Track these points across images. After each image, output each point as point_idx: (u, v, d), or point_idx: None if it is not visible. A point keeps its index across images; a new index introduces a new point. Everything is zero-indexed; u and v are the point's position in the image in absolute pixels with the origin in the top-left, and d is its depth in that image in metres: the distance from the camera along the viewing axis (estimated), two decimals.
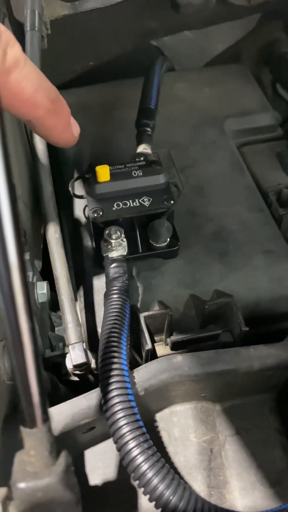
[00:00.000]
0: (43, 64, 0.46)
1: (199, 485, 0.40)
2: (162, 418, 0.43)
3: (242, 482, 0.40)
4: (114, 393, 0.34)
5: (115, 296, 0.42)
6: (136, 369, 0.39)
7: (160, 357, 0.42)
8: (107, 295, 0.43)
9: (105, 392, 0.34)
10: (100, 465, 0.41)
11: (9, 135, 0.32)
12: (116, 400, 0.33)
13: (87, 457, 0.41)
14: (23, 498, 0.24)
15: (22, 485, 0.24)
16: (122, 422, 0.32)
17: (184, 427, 0.42)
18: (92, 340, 0.46)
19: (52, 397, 0.42)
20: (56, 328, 0.50)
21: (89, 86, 0.70)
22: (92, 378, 0.45)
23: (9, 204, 0.21)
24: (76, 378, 0.44)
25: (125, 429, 0.32)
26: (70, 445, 0.39)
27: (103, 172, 0.47)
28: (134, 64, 0.71)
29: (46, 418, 0.24)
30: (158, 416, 0.43)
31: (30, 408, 0.23)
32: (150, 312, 0.42)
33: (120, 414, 0.33)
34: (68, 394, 0.44)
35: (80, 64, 0.69)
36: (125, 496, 0.39)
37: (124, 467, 0.33)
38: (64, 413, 0.35)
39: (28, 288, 0.22)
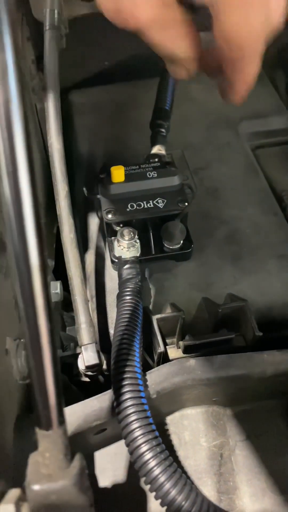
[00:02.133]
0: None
1: (208, 490, 0.40)
2: (173, 421, 0.43)
3: (252, 488, 0.40)
4: (127, 395, 0.33)
5: (128, 297, 0.42)
6: (148, 371, 0.39)
7: (172, 360, 0.42)
8: (120, 297, 0.43)
9: (118, 394, 0.34)
10: (110, 467, 0.41)
11: None
12: (129, 402, 0.33)
13: (97, 458, 0.41)
14: (37, 500, 0.24)
15: (36, 487, 0.24)
16: (135, 425, 0.32)
17: (194, 431, 0.42)
18: (103, 341, 0.46)
19: (64, 397, 0.42)
20: (67, 328, 0.50)
21: (104, 86, 0.70)
22: (102, 378, 0.45)
23: (33, 209, 0.21)
24: (87, 379, 0.44)
25: (138, 433, 0.32)
26: (81, 446, 0.39)
27: (118, 173, 0.47)
28: (149, 65, 0.70)
29: (62, 420, 0.24)
30: (169, 419, 0.43)
31: (47, 410, 0.23)
32: (163, 315, 0.42)
33: (133, 417, 0.32)
34: (79, 395, 0.44)
35: (95, 64, 0.68)
36: (134, 499, 0.39)
37: (134, 470, 0.33)
38: (76, 414, 0.35)
39: (48, 290, 0.22)
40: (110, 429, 0.38)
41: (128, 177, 0.48)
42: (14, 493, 0.25)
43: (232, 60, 0.34)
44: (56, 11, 0.43)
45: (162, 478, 0.31)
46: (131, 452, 0.32)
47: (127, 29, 0.30)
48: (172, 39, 0.33)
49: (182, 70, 0.36)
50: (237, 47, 0.33)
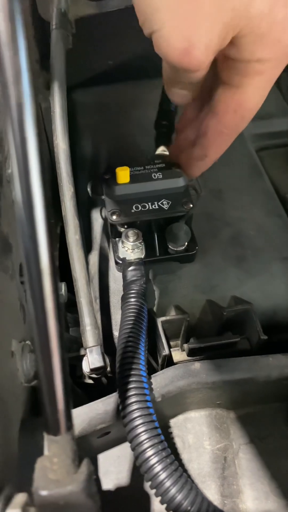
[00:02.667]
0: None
1: (212, 493, 0.40)
2: (176, 424, 0.43)
3: (256, 492, 0.40)
4: (132, 399, 0.33)
5: (132, 299, 0.42)
6: (153, 375, 0.39)
7: (177, 363, 0.42)
8: (124, 298, 0.42)
9: (123, 398, 0.34)
10: (113, 469, 0.40)
11: None
12: (134, 406, 0.33)
13: (100, 461, 0.41)
14: (45, 505, 0.24)
15: (44, 492, 0.24)
16: (141, 429, 0.32)
17: (198, 434, 0.42)
18: (107, 343, 0.45)
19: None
20: (70, 329, 0.50)
21: (108, 85, 0.69)
22: (105, 380, 0.45)
23: (44, 213, 0.20)
24: (90, 381, 0.44)
25: (143, 437, 0.32)
26: (85, 449, 0.39)
27: (123, 174, 0.47)
28: (154, 65, 0.70)
29: (70, 426, 0.24)
30: (172, 422, 0.43)
31: (55, 415, 0.23)
32: (168, 317, 0.42)
33: (138, 421, 0.32)
34: (83, 398, 0.44)
35: (99, 63, 0.68)
36: (137, 502, 0.39)
37: (138, 473, 0.32)
38: (81, 417, 0.35)
39: (58, 294, 0.22)
40: (114, 432, 0.38)
41: (133, 178, 0.48)
42: (21, 497, 0.25)
43: (228, 125, 0.38)
44: (62, 11, 0.43)
45: (168, 483, 0.30)
46: (136, 456, 0.32)
47: (179, 65, 0.30)
48: (201, 72, 0.33)
49: (188, 91, 0.37)
50: (241, 118, 0.36)
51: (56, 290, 0.22)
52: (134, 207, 0.47)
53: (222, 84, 0.35)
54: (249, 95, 0.34)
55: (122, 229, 0.47)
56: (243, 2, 0.27)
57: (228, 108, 0.36)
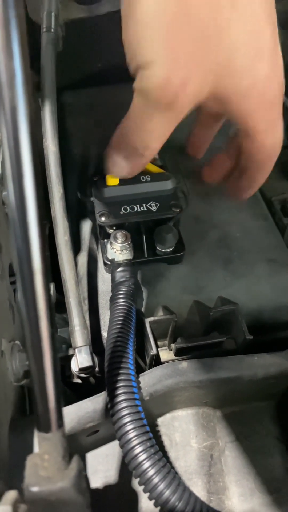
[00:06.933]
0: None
1: (198, 490, 0.40)
2: (164, 423, 0.43)
3: (241, 489, 0.41)
4: (121, 397, 0.34)
5: (121, 300, 0.42)
6: (142, 374, 0.39)
7: (164, 362, 0.42)
8: (113, 299, 0.43)
9: (112, 396, 0.34)
10: (101, 468, 0.41)
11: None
12: (123, 404, 0.33)
13: (89, 460, 0.41)
14: (36, 502, 0.24)
15: (35, 489, 0.24)
16: (129, 427, 0.33)
17: (185, 432, 0.43)
18: (95, 343, 0.46)
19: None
20: (58, 330, 0.50)
21: (98, 87, 0.70)
22: (93, 380, 0.46)
23: (36, 215, 0.21)
24: (78, 381, 0.44)
25: (132, 434, 0.32)
26: (73, 447, 0.39)
27: (112, 176, 0.48)
28: None
29: (61, 423, 0.24)
30: (160, 420, 0.44)
31: (46, 413, 0.24)
32: (156, 318, 0.43)
33: (127, 419, 0.33)
34: (72, 397, 0.44)
35: (89, 65, 0.68)
36: (126, 500, 0.40)
37: (126, 471, 0.33)
38: (70, 416, 0.35)
39: (50, 294, 0.22)
40: (103, 430, 0.39)
41: (122, 180, 0.48)
42: (11, 494, 0.26)
43: (261, 163, 0.40)
44: (53, 14, 0.43)
45: (156, 479, 0.31)
46: (125, 454, 0.33)
47: (154, 98, 0.31)
48: (169, 128, 0.36)
49: (137, 162, 0.41)
50: (269, 155, 0.39)
51: (48, 290, 0.22)
52: (122, 209, 0.47)
53: (239, 132, 0.38)
54: (261, 141, 0.36)
55: (110, 231, 0.47)
56: (226, 56, 0.29)
57: (253, 151, 0.38)
